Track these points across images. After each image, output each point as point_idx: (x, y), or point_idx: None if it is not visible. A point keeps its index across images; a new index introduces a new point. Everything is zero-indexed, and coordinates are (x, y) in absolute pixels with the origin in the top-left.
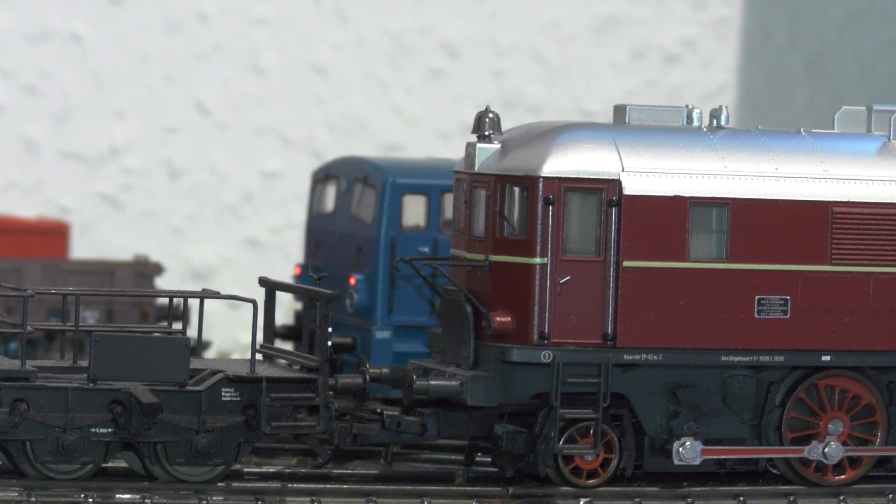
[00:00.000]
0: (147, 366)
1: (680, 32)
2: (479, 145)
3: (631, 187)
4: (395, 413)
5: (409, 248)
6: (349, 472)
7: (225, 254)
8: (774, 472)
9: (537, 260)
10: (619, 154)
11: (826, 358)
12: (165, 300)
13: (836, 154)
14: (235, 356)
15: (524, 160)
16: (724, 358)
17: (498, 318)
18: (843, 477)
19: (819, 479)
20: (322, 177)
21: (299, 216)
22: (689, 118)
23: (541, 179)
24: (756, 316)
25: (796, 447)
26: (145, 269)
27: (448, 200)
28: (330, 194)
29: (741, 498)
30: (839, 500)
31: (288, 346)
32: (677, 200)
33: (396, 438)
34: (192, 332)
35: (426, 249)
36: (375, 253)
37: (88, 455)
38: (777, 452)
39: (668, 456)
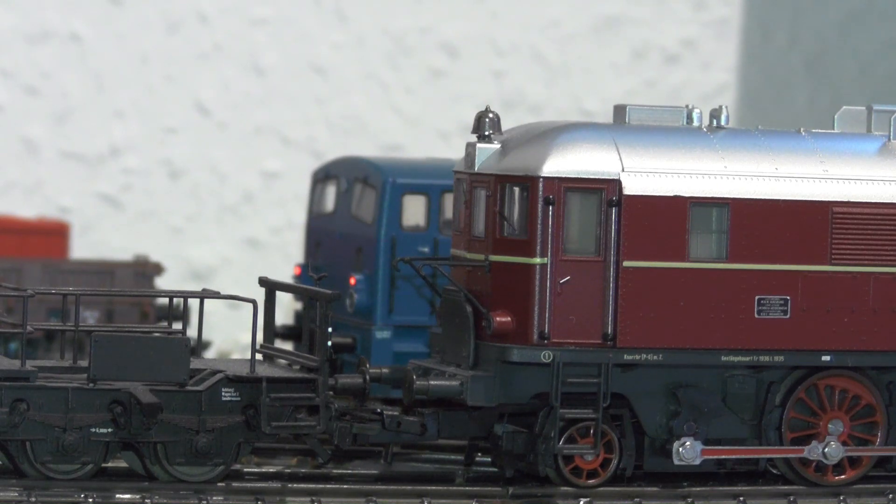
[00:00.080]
0: (147, 366)
1: (680, 32)
2: (479, 145)
3: (631, 187)
4: (395, 413)
5: (409, 248)
6: (349, 472)
7: (225, 254)
8: (774, 472)
9: (537, 260)
10: (619, 154)
11: (826, 358)
12: (165, 300)
13: (836, 154)
14: (235, 356)
15: (524, 160)
16: (724, 358)
17: (498, 318)
18: (843, 477)
19: (819, 479)
20: (322, 177)
21: (299, 216)
22: (689, 118)
23: (541, 179)
24: (756, 316)
25: (796, 447)
26: (145, 269)
27: (448, 200)
28: (330, 194)
29: (741, 498)
30: (839, 500)
31: (288, 346)
32: (677, 200)
33: (396, 438)
34: (192, 332)
35: (426, 249)
36: (375, 253)
37: (88, 455)
38: (777, 452)
39: (668, 456)
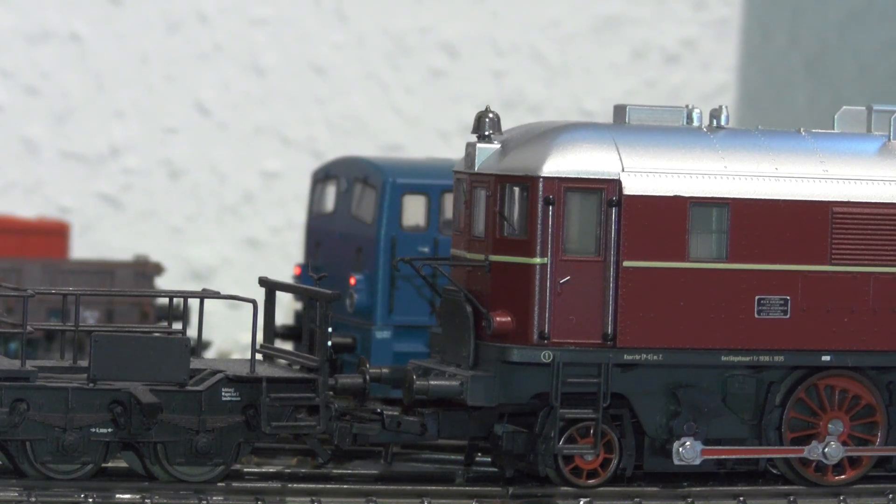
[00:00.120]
0: (147, 366)
1: (680, 32)
2: (479, 145)
3: (631, 187)
4: (395, 413)
5: (409, 248)
6: (349, 472)
7: (225, 254)
8: (774, 472)
9: (537, 260)
10: (619, 154)
11: (826, 358)
12: (165, 300)
13: (836, 154)
14: (235, 356)
15: (524, 160)
16: (724, 358)
17: (498, 318)
18: (843, 477)
19: (819, 479)
20: (322, 177)
21: (299, 216)
22: (689, 118)
23: (541, 179)
24: (756, 316)
25: (796, 447)
26: (145, 269)
27: (448, 200)
28: (330, 194)
29: (741, 498)
30: (839, 500)
31: (288, 346)
32: (677, 200)
33: (396, 438)
34: (192, 332)
35: (426, 249)
36: (375, 253)
37: (88, 455)
38: (777, 452)
39: (668, 456)
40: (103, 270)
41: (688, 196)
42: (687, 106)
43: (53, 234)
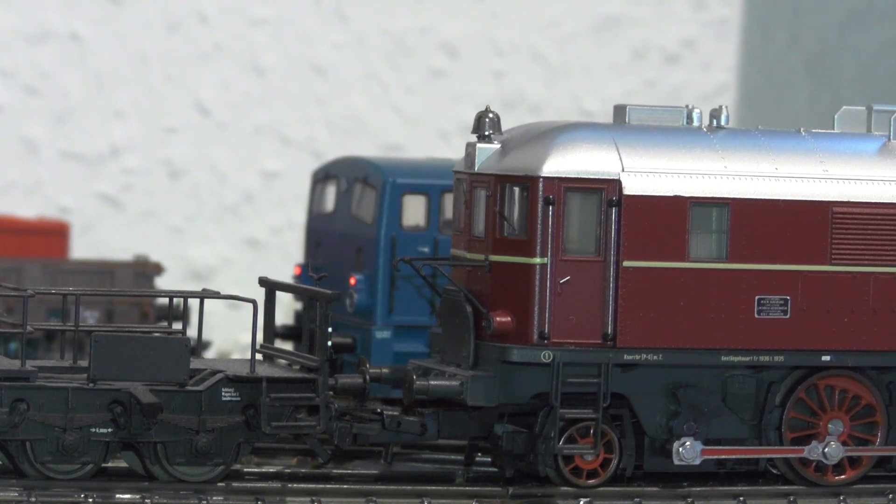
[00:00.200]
0: (147, 366)
1: (680, 32)
2: (479, 145)
3: (631, 187)
4: (395, 413)
5: (409, 248)
6: (349, 472)
7: (225, 254)
8: (774, 472)
9: (537, 260)
10: (619, 154)
11: (826, 358)
12: (165, 300)
13: (836, 154)
14: (235, 356)
15: (524, 160)
16: (724, 358)
17: (498, 318)
18: (843, 477)
19: (819, 479)
20: (322, 177)
21: (299, 216)
22: (689, 118)
23: (541, 179)
24: (756, 316)
25: (796, 447)
26: (145, 269)
27: (448, 200)
28: (330, 194)
29: (741, 498)
30: (839, 500)
31: (288, 346)
32: (677, 200)
33: (396, 438)
34: (192, 332)
35: (426, 249)
36: (375, 253)
37: (88, 455)
38: (777, 452)
39: (668, 456)
40: (103, 270)
41: (688, 196)
42: (687, 106)
43: (53, 234)
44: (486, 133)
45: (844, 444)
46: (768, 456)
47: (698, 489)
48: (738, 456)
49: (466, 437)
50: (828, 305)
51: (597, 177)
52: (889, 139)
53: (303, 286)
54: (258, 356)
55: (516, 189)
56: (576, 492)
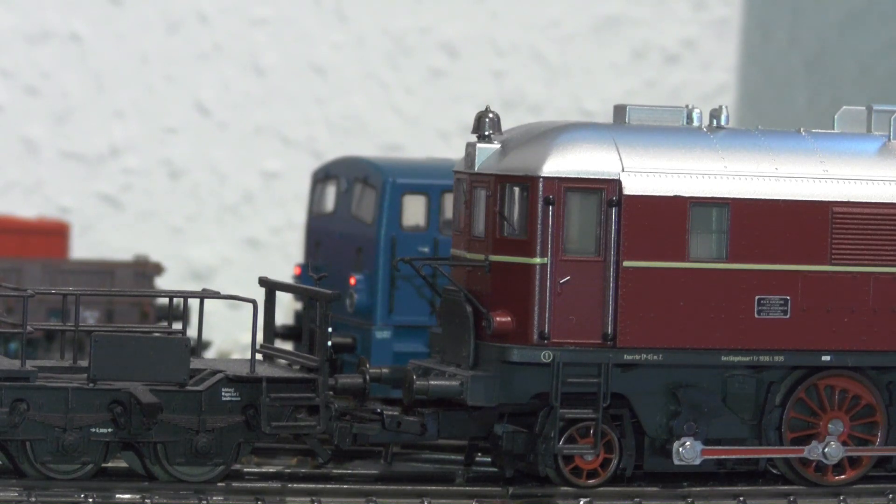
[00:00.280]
0: (147, 366)
1: (680, 32)
2: (479, 145)
3: (631, 187)
4: (395, 413)
5: (409, 248)
6: (349, 472)
7: (225, 254)
8: (774, 472)
9: (537, 260)
10: (619, 154)
11: (826, 358)
12: (165, 300)
13: (836, 154)
14: (235, 356)
15: (524, 160)
16: (724, 358)
17: (498, 318)
18: (843, 477)
19: (819, 479)
20: (322, 177)
21: (299, 216)
22: (689, 118)
23: (541, 179)
24: (756, 316)
25: (796, 447)
26: (145, 269)
27: (448, 200)
28: (330, 194)
29: (741, 498)
30: (839, 500)
31: (288, 346)
32: (677, 200)
33: (396, 438)
34: (192, 332)
35: (426, 249)
36: (375, 253)
37: (88, 455)
38: (777, 452)
39: (668, 456)
40: (103, 270)
41: (688, 196)
42: (687, 106)
43: (53, 234)
44: (486, 133)
45: (844, 444)
46: (768, 456)
47: (698, 489)
48: (738, 456)
49: (466, 437)
50: (828, 305)
51: (597, 177)
52: (889, 139)
53: (303, 286)
54: (258, 356)
55: (516, 189)
56: (576, 492)
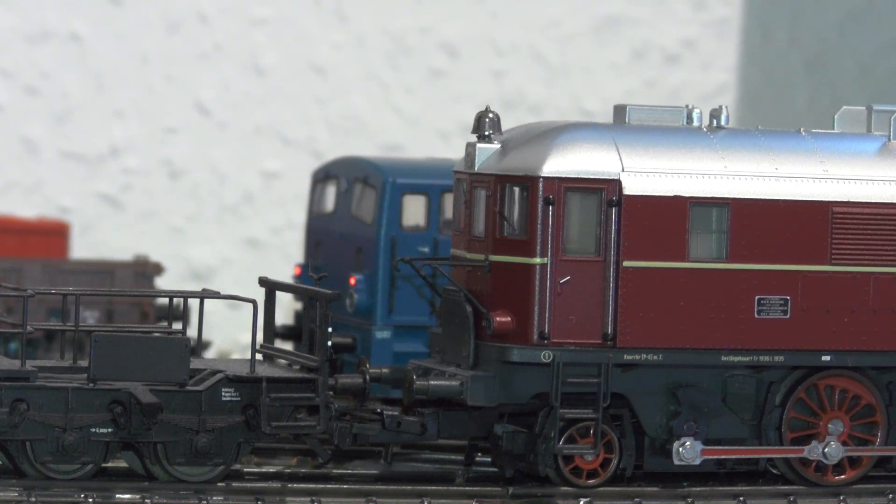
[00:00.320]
0: (147, 366)
1: (680, 32)
2: (479, 145)
3: (631, 187)
4: (395, 413)
5: (409, 248)
6: (349, 472)
7: (225, 254)
8: (774, 472)
9: (537, 260)
10: (619, 154)
11: (826, 358)
12: (165, 300)
13: (836, 154)
14: (235, 356)
15: (524, 160)
16: (724, 358)
17: (498, 318)
18: (843, 477)
19: (819, 479)
20: (322, 177)
21: (299, 216)
22: (689, 118)
23: (541, 179)
24: (756, 316)
25: (796, 447)
26: (145, 269)
27: (448, 200)
28: (330, 194)
29: (741, 498)
30: (839, 500)
31: (288, 346)
32: (677, 200)
33: (396, 438)
34: (192, 332)
35: (426, 249)
36: (375, 253)
37: (88, 455)
38: (777, 452)
39: (668, 456)
40: (103, 270)
41: (688, 196)
42: (687, 106)
43: (53, 234)
44: (486, 133)
45: (844, 444)
46: (768, 456)
47: (698, 489)
48: (738, 456)
49: (466, 437)
50: (828, 305)
51: (597, 177)
52: (889, 139)
53: (303, 286)
54: (258, 356)
55: (516, 189)
56: (576, 492)
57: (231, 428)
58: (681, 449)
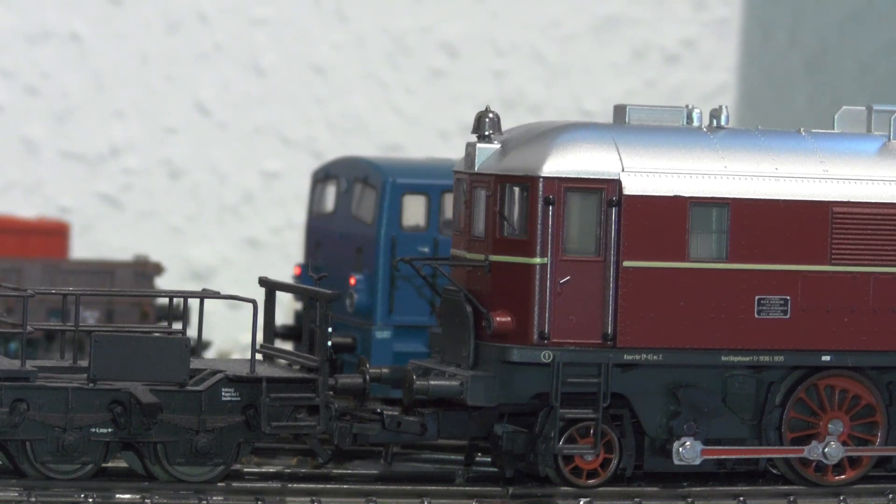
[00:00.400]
0: (147, 366)
1: (680, 32)
2: (479, 145)
3: (631, 187)
4: (395, 413)
5: (409, 248)
6: (349, 472)
7: (225, 254)
8: (774, 472)
9: (537, 260)
10: (619, 154)
11: (826, 358)
12: (165, 300)
13: (836, 154)
14: (235, 356)
15: (524, 160)
16: (724, 358)
17: (498, 318)
18: (843, 477)
19: (819, 479)
20: (322, 177)
21: (299, 216)
22: (689, 118)
23: (541, 179)
24: (756, 316)
25: (796, 447)
26: (145, 269)
27: (448, 200)
28: (330, 194)
29: (741, 498)
30: (839, 500)
31: (288, 346)
32: (677, 200)
33: (396, 438)
34: (192, 332)
35: (426, 249)
36: (375, 253)
37: (88, 455)
38: (777, 452)
39: (668, 456)
40: (103, 270)
41: (688, 196)
42: (687, 106)
43: (53, 234)
44: (486, 133)
45: (844, 444)
46: (768, 456)
47: (698, 489)
48: (738, 456)
49: (466, 437)
50: (828, 305)
51: (597, 177)
52: (889, 139)
53: (303, 286)
54: (258, 356)
55: (516, 189)
56: (576, 492)
57: (231, 428)
58: (681, 449)
